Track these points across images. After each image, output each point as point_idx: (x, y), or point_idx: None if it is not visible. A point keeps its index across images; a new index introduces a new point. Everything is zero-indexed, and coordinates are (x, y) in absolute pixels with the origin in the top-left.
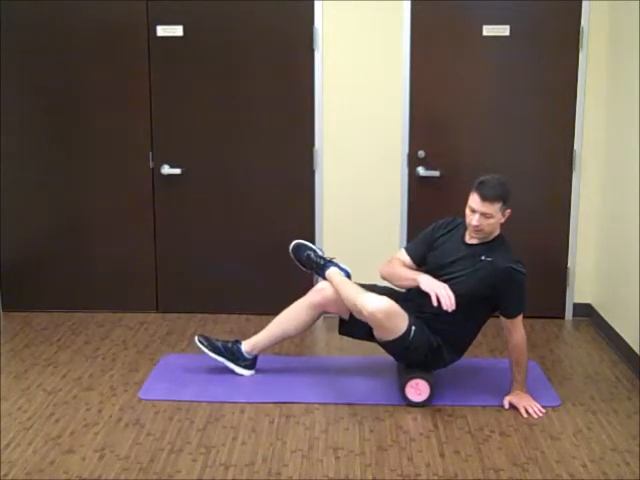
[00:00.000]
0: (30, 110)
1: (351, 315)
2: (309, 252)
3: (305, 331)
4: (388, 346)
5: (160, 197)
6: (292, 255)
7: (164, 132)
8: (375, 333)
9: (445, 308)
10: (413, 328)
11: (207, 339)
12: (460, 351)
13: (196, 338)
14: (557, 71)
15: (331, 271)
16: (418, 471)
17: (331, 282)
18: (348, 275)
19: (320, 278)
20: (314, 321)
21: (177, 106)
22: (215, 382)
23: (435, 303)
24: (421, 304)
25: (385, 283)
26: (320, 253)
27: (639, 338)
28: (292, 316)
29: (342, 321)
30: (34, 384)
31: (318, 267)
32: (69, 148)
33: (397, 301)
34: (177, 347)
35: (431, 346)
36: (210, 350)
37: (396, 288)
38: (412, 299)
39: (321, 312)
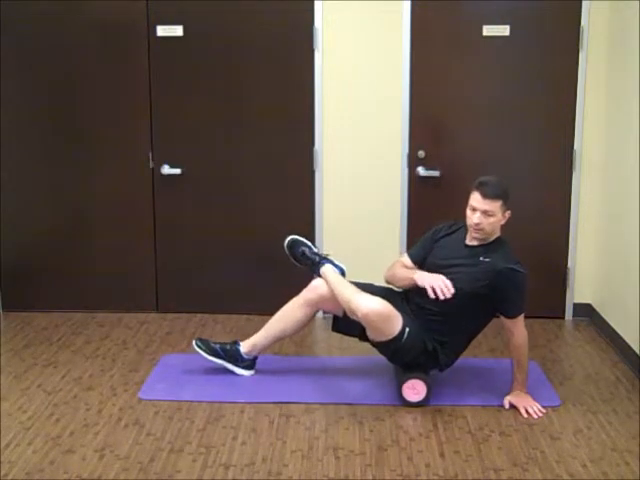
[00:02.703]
0: (30, 111)
1: (345, 313)
2: (304, 248)
3: (302, 329)
4: (380, 347)
5: (160, 197)
6: (287, 251)
7: (164, 132)
8: (368, 333)
9: (442, 296)
10: (407, 330)
11: (205, 342)
12: (457, 353)
13: (194, 342)
14: (557, 71)
15: (326, 268)
16: (418, 471)
17: (326, 280)
18: (343, 273)
19: (315, 275)
20: (310, 319)
21: (177, 106)
22: (215, 382)
23: (432, 296)
24: (420, 303)
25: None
26: (315, 250)
27: (639, 338)
28: (288, 314)
29: (336, 318)
30: (34, 384)
31: (313, 264)
32: (69, 148)
33: (394, 301)
34: (177, 347)
35: (425, 349)
36: (208, 353)
37: (394, 288)
38: (411, 299)
39: (316, 310)
